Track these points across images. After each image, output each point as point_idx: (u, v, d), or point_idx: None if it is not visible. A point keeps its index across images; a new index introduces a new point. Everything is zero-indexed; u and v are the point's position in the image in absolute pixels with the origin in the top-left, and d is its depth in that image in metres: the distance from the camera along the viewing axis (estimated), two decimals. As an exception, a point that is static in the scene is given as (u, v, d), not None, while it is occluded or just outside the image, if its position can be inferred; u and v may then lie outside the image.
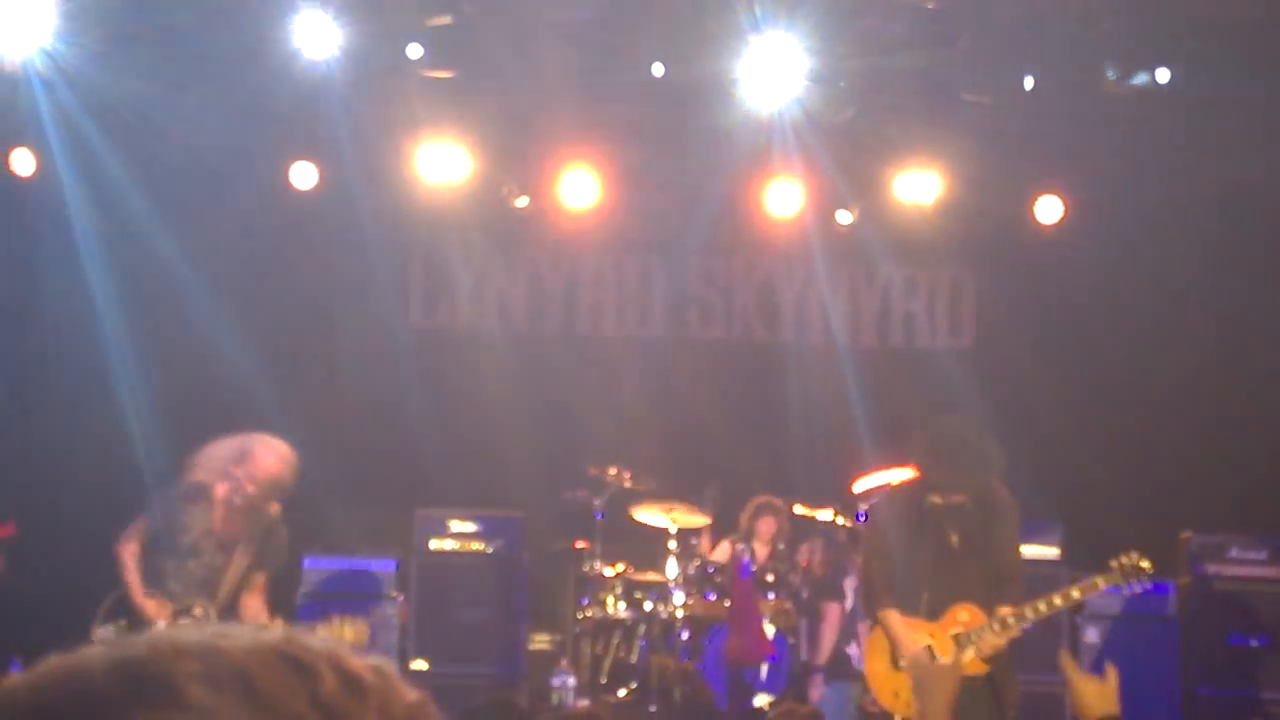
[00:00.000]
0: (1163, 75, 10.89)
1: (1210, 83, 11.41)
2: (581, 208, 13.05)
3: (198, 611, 7.98)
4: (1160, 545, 12.10)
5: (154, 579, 8.00)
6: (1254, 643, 11.97)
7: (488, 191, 12.97)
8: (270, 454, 8.25)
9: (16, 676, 1.19)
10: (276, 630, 1.22)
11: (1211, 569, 12.11)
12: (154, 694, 1.12)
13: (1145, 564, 7.86)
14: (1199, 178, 13.23)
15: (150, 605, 7.98)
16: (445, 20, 10.79)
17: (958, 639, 7.76)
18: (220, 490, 8.13)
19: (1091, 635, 11.91)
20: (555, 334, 13.90)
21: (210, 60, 11.01)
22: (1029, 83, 11.14)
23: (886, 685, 8.00)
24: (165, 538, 8.06)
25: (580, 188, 12.91)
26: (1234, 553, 12.14)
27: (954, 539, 7.83)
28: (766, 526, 11.71)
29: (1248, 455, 13.21)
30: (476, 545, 11.98)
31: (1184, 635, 11.98)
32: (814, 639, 11.64)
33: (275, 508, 8.37)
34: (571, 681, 11.26)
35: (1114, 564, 7.88)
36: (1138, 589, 8.50)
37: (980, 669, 7.73)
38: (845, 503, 11.44)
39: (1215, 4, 10.88)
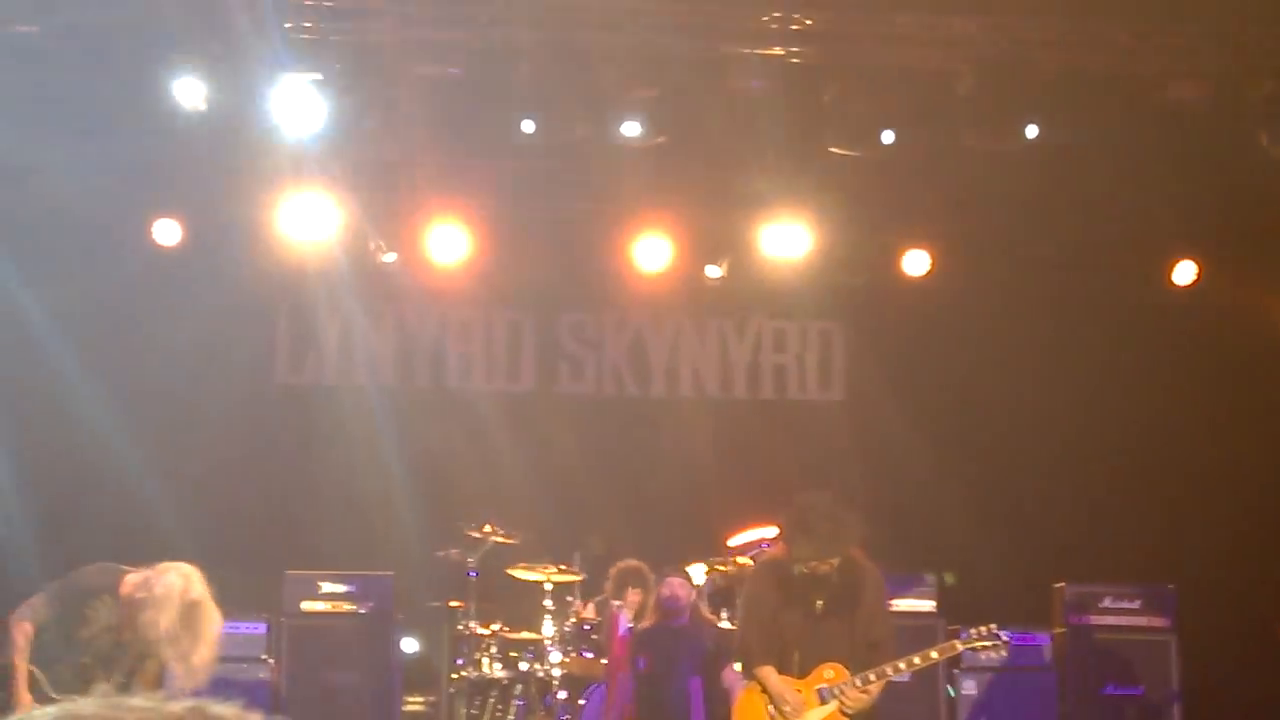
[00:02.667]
0: (1031, 131, 11.00)
1: (1072, 139, 11.58)
2: (450, 262, 12.97)
3: None
4: (1035, 595, 12.28)
5: (43, 662, 7.79)
6: (1130, 692, 12.09)
7: (355, 246, 12.83)
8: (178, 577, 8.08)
9: None
10: (180, 702, 1.16)
11: (1086, 619, 12.24)
12: None
13: (1003, 636, 8.91)
14: (1064, 230, 13.45)
15: (26, 699, 7.80)
16: (315, 76, 10.66)
17: (821, 693, 8.50)
18: (125, 589, 7.91)
19: (969, 686, 11.97)
20: (424, 389, 13.75)
21: (76, 112, 10.80)
22: (892, 136, 11.22)
23: None
24: (63, 625, 7.85)
25: (449, 242, 12.83)
26: (1107, 602, 12.29)
27: (819, 604, 8.58)
28: (634, 598, 11.62)
29: (1120, 504, 13.39)
30: (348, 606, 11.80)
31: (1060, 685, 12.08)
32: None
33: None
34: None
35: (974, 631, 8.82)
36: (995, 655, 10.10)
37: None
38: (721, 556, 11.39)
39: (1076, 59, 11.05)
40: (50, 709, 1.12)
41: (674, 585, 10.51)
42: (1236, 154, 12.09)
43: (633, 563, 11.53)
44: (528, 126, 11.00)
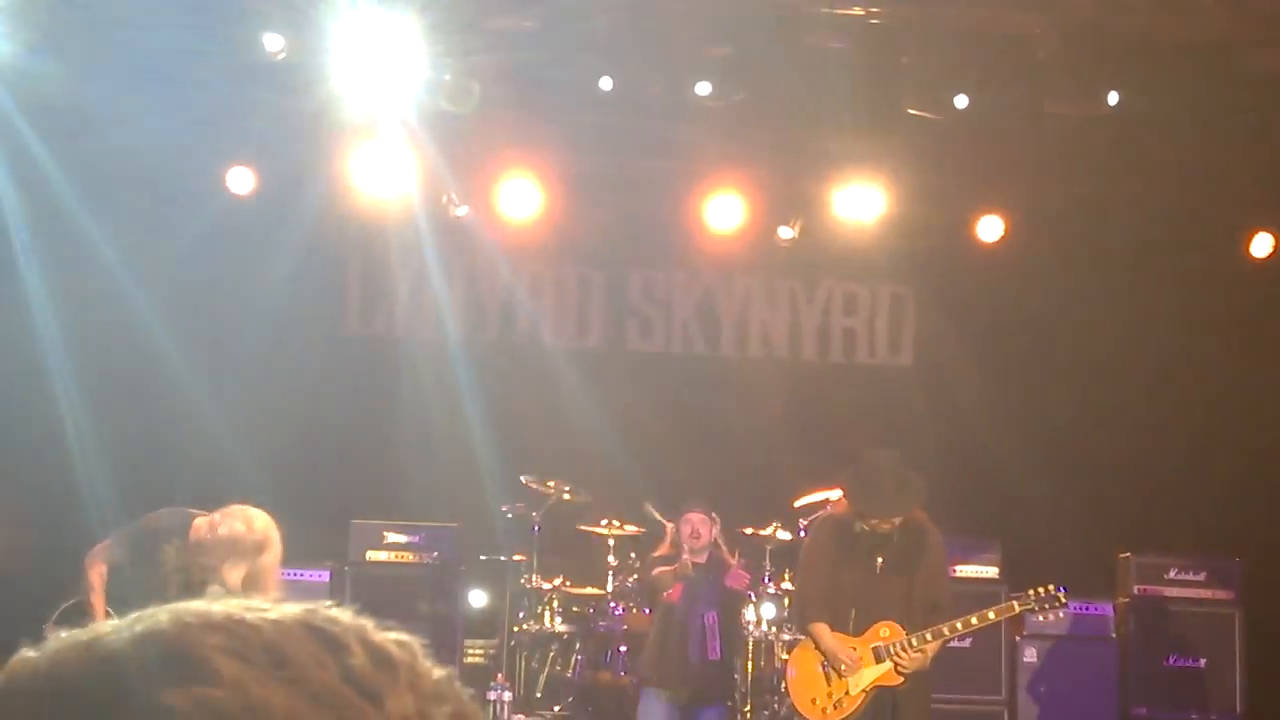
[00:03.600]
0: (1111, 98, 10.89)
1: (1152, 107, 11.47)
2: (522, 218, 12.99)
3: None
4: (1099, 565, 12.23)
5: (117, 603, 7.92)
6: (1192, 663, 12.04)
7: (428, 199, 12.86)
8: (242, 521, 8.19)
9: (28, 651, 1.12)
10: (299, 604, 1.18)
11: (1150, 589, 12.18)
12: (182, 668, 1.07)
13: (1062, 596, 8.82)
14: (1141, 199, 13.34)
15: None
16: (392, 26, 10.66)
17: (876, 651, 8.52)
18: (194, 533, 8.01)
19: (1030, 655, 11.95)
20: (493, 342, 13.78)
21: (156, 62, 10.86)
22: (969, 100, 11.13)
23: (805, 693, 8.73)
24: (135, 567, 7.97)
25: (521, 198, 12.85)
26: (1173, 573, 12.24)
27: (879, 562, 8.59)
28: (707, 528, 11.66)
29: (1187, 475, 13.30)
30: (412, 556, 11.89)
31: (1122, 655, 12.04)
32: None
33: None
34: (507, 696, 11.15)
35: (1031, 592, 8.82)
36: (1052, 617, 9.63)
37: (895, 681, 8.53)
38: (786, 518, 11.39)
39: (1159, 25, 10.93)
40: (174, 607, 1.13)
41: (694, 521, 10.49)
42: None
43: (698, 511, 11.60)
44: (605, 83, 10.99)
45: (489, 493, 12.23)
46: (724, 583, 10.41)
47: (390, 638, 1.17)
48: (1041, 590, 8.76)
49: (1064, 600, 8.88)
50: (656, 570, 10.66)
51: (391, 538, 11.93)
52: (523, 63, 11.29)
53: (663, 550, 10.66)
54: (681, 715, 10.20)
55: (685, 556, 10.46)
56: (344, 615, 1.16)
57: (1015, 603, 8.90)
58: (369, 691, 1.10)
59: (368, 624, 1.17)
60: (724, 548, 10.77)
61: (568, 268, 13.99)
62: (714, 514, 10.67)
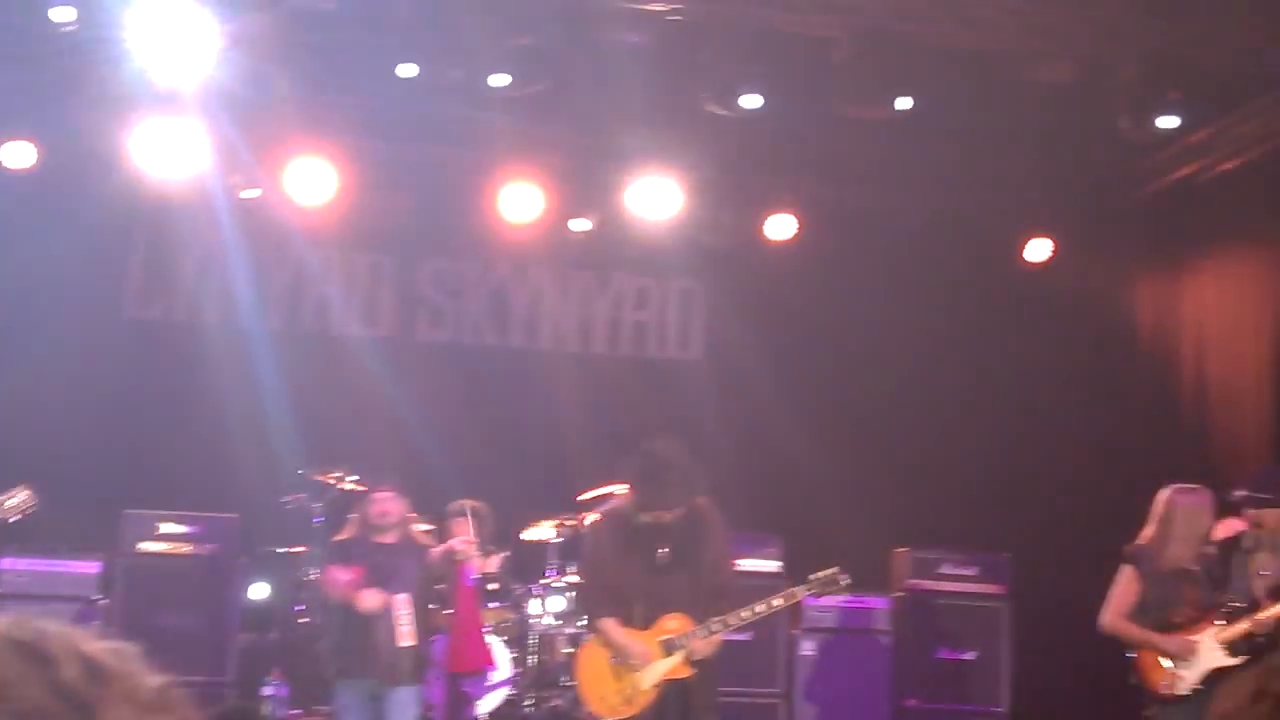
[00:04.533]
0: (901, 103, 11.08)
1: (939, 112, 11.71)
2: (313, 202, 12.78)
3: None
4: (877, 560, 12.46)
5: None
6: (962, 656, 12.33)
7: (218, 181, 12.58)
8: None
9: None
10: (3, 617, 1.11)
11: (924, 584, 12.46)
12: None
13: (843, 579, 8.91)
14: (927, 202, 13.63)
15: None
16: (184, 3, 10.42)
17: (666, 645, 8.44)
18: None
19: (808, 648, 12.13)
20: (280, 329, 13.53)
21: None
22: (764, 100, 11.24)
23: (595, 690, 8.60)
24: None
25: (313, 182, 12.64)
26: (945, 568, 12.52)
27: (662, 554, 8.48)
28: (463, 528, 11.61)
29: (963, 473, 13.63)
30: (188, 547, 11.64)
31: (895, 648, 12.29)
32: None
33: None
34: (284, 691, 10.98)
35: (812, 577, 8.89)
36: (834, 598, 10.48)
37: (686, 673, 8.47)
38: (573, 511, 11.38)
39: (950, 34, 11.16)
40: None
41: (382, 500, 9.78)
42: (1097, 136, 12.33)
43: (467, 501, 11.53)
44: (404, 70, 10.86)
45: (272, 483, 12.00)
46: (423, 561, 9.73)
47: (105, 647, 1.11)
48: (822, 573, 8.86)
49: (843, 582, 8.96)
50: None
51: (166, 528, 11.63)
52: (320, 45, 11.12)
53: (347, 533, 9.95)
54: (373, 703, 9.55)
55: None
56: (54, 625, 1.10)
57: (799, 588, 8.95)
58: (82, 704, 1.06)
59: (80, 633, 1.11)
60: (415, 528, 10.00)
61: (359, 255, 13.82)
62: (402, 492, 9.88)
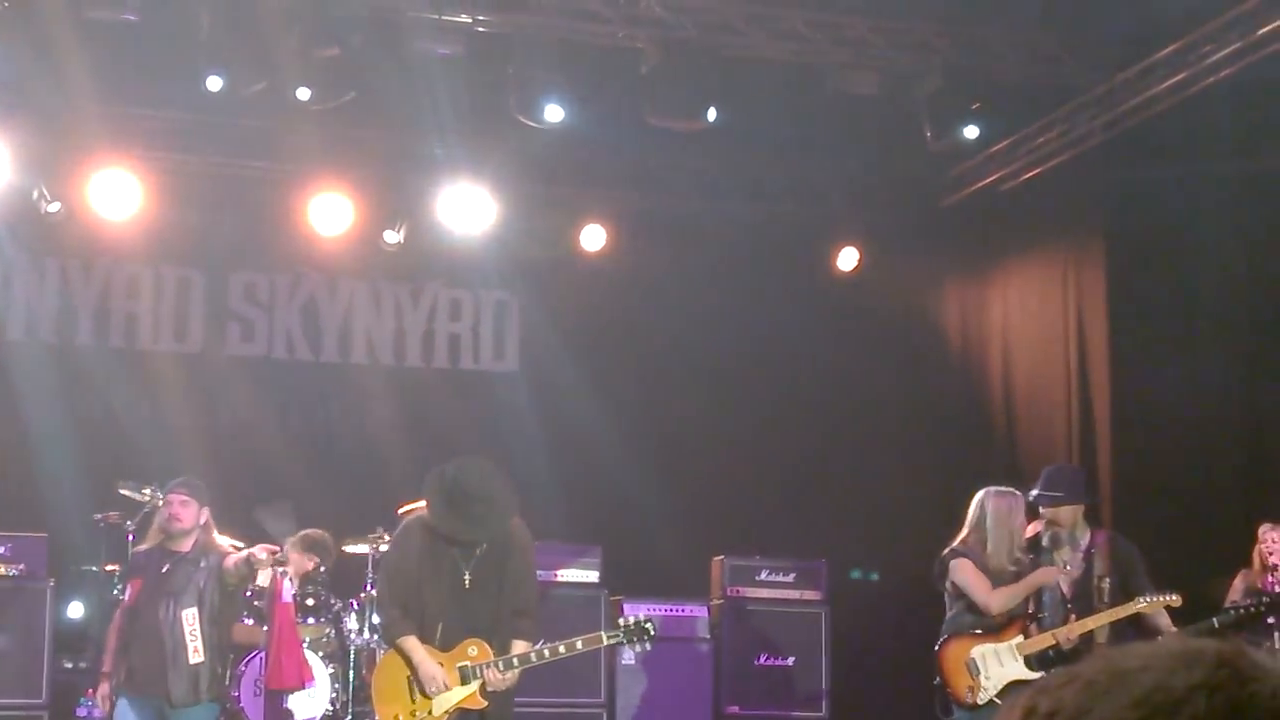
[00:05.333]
0: (710, 114, 11.20)
1: (749, 123, 11.87)
2: (119, 216, 12.57)
3: None
4: (696, 568, 12.56)
5: None
6: (781, 662, 12.47)
7: (17, 195, 12.32)
8: None
9: None
10: None
11: (743, 591, 12.57)
12: None
13: (649, 626, 8.67)
14: (738, 212, 13.80)
15: None
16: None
17: (463, 671, 8.22)
18: None
19: (628, 657, 12.16)
20: (87, 346, 13.27)
21: None
22: (574, 111, 11.28)
23: (388, 708, 8.36)
24: None
25: (118, 196, 12.43)
26: (764, 575, 12.64)
27: (467, 577, 8.26)
28: (305, 563, 11.49)
29: (778, 479, 13.78)
30: (-1, 568, 11.37)
31: (715, 655, 12.39)
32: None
33: None
34: (98, 713, 10.77)
35: (620, 623, 8.88)
36: (639, 649, 9.99)
37: (478, 704, 8.24)
38: (392, 526, 11.29)
39: (757, 45, 11.31)
40: None
41: (173, 503, 9.09)
42: (902, 147, 12.59)
43: (313, 531, 11.40)
44: (212, 83, 10.73)
45: (83, 501, 11.76)
46: (221, 569, 9.00)
47: None
48: (631, 621, 8.71)
49: (653, 632, 8.72)
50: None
51: (-28, 549, 11.37)
52: (123, 58, 10.95)
53: (146, 543, 9.30)
54: None
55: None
56: None
57: (603, 634, 8.79)
58: None
59: None
60: (214, 535, 9.29)
61: (167, 269, 13.59)
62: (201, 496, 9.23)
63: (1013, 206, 13.51)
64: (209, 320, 13.65)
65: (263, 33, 10.55)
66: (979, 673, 8.74)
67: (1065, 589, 8.98)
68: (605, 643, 8.86)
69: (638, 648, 9.66)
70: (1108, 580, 8.89)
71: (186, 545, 9.12)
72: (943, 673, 8.88)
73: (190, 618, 8.95)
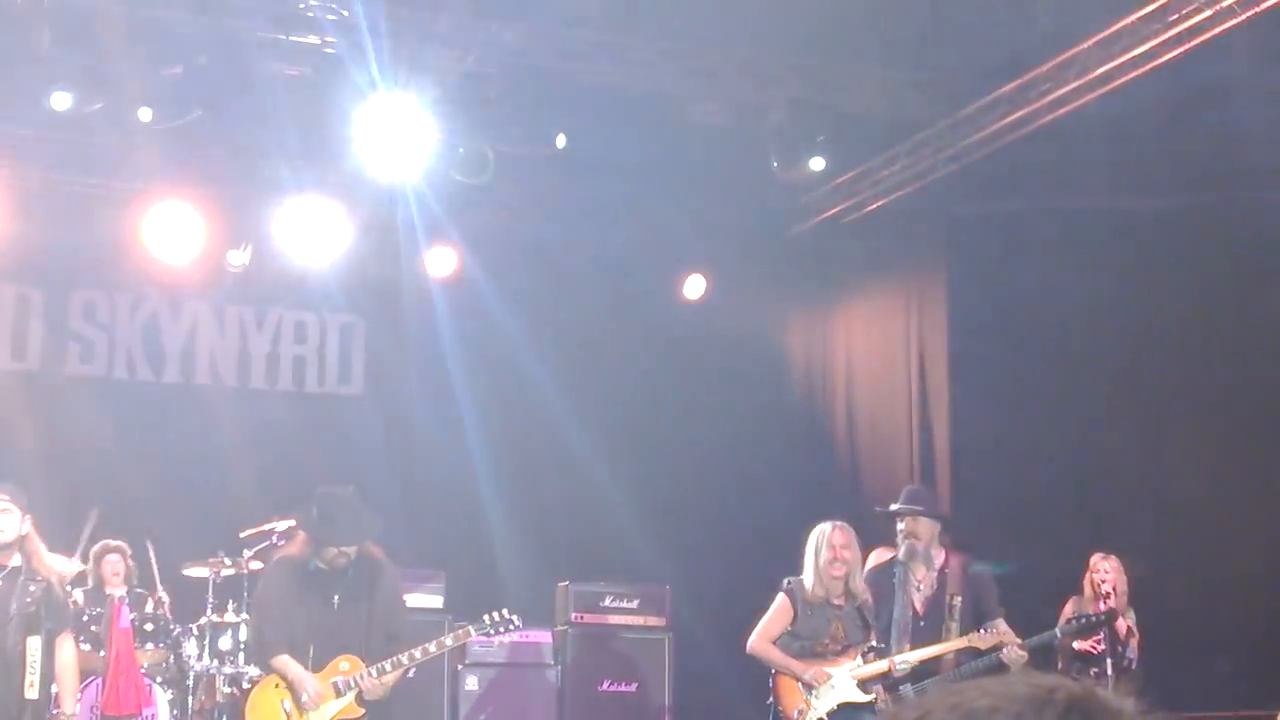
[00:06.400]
0: (559, 140, 11.24)
1: (598, 151, 11.93)
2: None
3: None
4: (540, 594, 12.57)
5: None
6: (625, 687, 12.50)
7: None
8: None
9: None
10: None
11: (588, 617, 12.59)
12: None
13: (515, 620, 8.92)
14: (588, 238, 13.85)
15: None
16: None
17: (336, 685, 8.45)
18: None
19: (471, 683, 12.13)
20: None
21: None
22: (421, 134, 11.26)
23: None
24: None
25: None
26: (609, 600, 12.68)
27: (336, 598, 8.56)
28: (114, 568, 11.37)
29: (623, 505, 13.83)
30: None
31: (560, 681, 12.39)
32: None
33: None
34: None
35: (486, 616, 8.92)
36: (505, 639, 10.64)
37: (357, 713, 8.49)
38: (232, 549, 11.17)
39: (606, 73, 11.36)
40: None
41: None
42: (749, 177, 12.72)
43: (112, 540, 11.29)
44: (58, 101, 10.56)
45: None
46: (51, 594, 8.31)
47: None
48: (496, 615, 8.90)
49: (517, 623, 9.02)
50: None
51: None
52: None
53: None
54: None
55: None
56: None
57: (471, 627, 9.00)
58: None
59: None
60: (42, 556, 8.50)
61: (5, 286, 13.31)
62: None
63: (857, 237, 13.70)
64: (48, 338, 13.41)
65: (105, 50, 10.39)
66: (811, 694, 8.89)
67: (918, 606, 9.14)
68: (473, 635, 9.12)
69: (504, 637, 10.16)
70: (959, 599, 9.06)
71: (9, 559, 8.37)
72: (776, 693, 9.03)
73: (33, 647, 8.31)
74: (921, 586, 9.21)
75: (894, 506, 9.37)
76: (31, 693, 8.27)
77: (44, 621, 8.33)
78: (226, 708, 10.81)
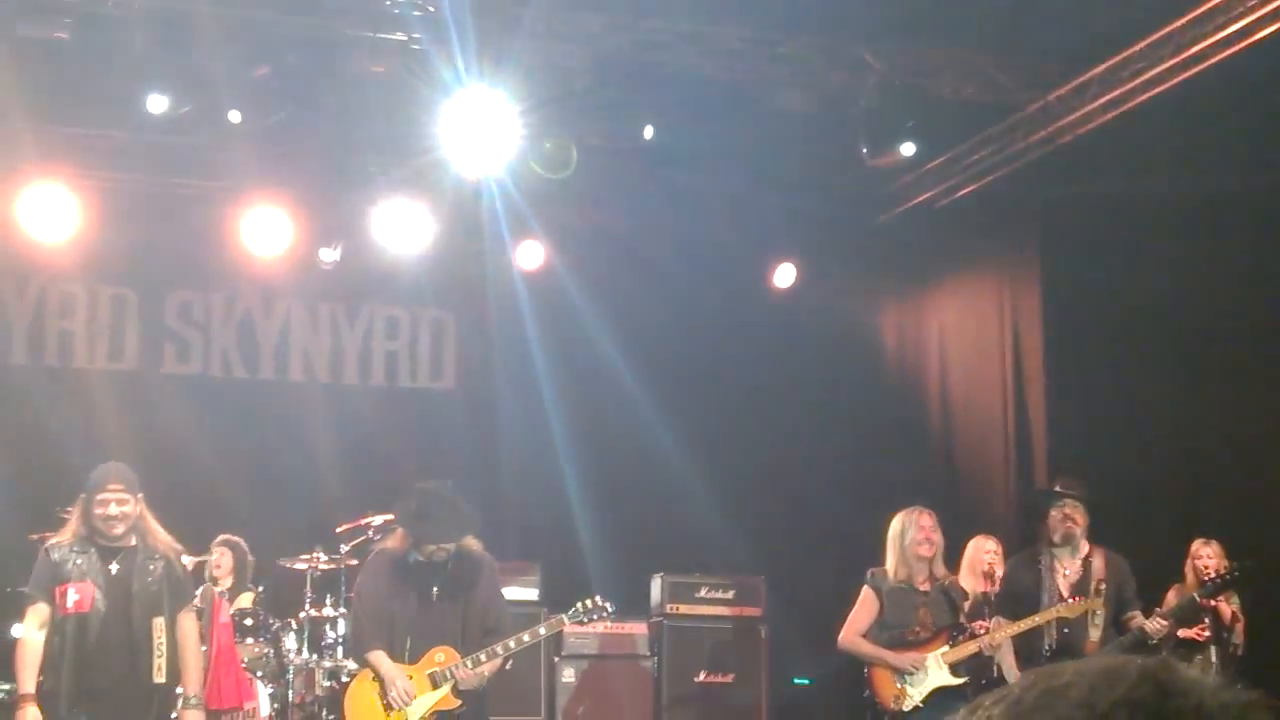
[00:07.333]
0: (647, 132, 11.23)
1: (685, 141, 11.90)
2: (53, 236, 12.48)
3: None
4: (634, 586, 12.57)
5: None
6: (720, 678, 12.49)
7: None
8: None
9: None
10: None
11: (682, 608, 12.58)
12: None
13: (607, 606, 9.04)
14: (676, 229, 13.82)
15: None
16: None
17: (433, 677, 8.52)
18: None
19: (568, 674, 12.16)
20: (22, 366, 13.16)
21: None
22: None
23: None
24: None
25: (53, 214, 12.34)
26: (703, 592, 12.66)
27: (435, 591, 8.62)
28: (224, 561, 11.49)
29: (716, 496, 13.79)
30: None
31: (656, 673, 12.39)
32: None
33: None
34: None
35: (578, 605, 9.03)
36: (600, 626, 10.77)
37: (454, 704, 8.55)
38: (329, 544, 11.26)
39: (692, 62, 11.33)
40: None
41: (112, 495, 8.19)
42: (839, 163, 12.63)
43: (225, 535, 11.40)
44: (156, 103, 10.68)
45: (17, 521, 11.63)
46: (171, 571, 8.22)
47: None
48: (589, 602, 8.97)
49: (610, 609, 9.08)
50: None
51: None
52: (54, 75, 10.88)
53: (64, 536, 8.35)
54: None
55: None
56: None
57: (564, 616, 9.06)
58: None
59: None
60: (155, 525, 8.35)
61: (101, 288, 13.49)
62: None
63: (949, 223, 13.57)
64: (144, 339, 13.57)
65: (196, 52, 10.49)
66: (904, 681, 8.90)
67: (1065, 592, 9.17)
68: (567, 624, 9.22)
69: (598, 624, 10.25)
70: (1105, 585, 9.05)
71: (128, 540, 8.21)
72: (871, 684, 9.05)
73: (158, 628, 8.12)
74: (1068, 573, 9.23)
75: (1057, 489, 9.44)
76: (159, 677, 8.09)
77: (167, 600, 8.15)
78: (326, 701, 10.90)
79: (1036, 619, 8.97)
